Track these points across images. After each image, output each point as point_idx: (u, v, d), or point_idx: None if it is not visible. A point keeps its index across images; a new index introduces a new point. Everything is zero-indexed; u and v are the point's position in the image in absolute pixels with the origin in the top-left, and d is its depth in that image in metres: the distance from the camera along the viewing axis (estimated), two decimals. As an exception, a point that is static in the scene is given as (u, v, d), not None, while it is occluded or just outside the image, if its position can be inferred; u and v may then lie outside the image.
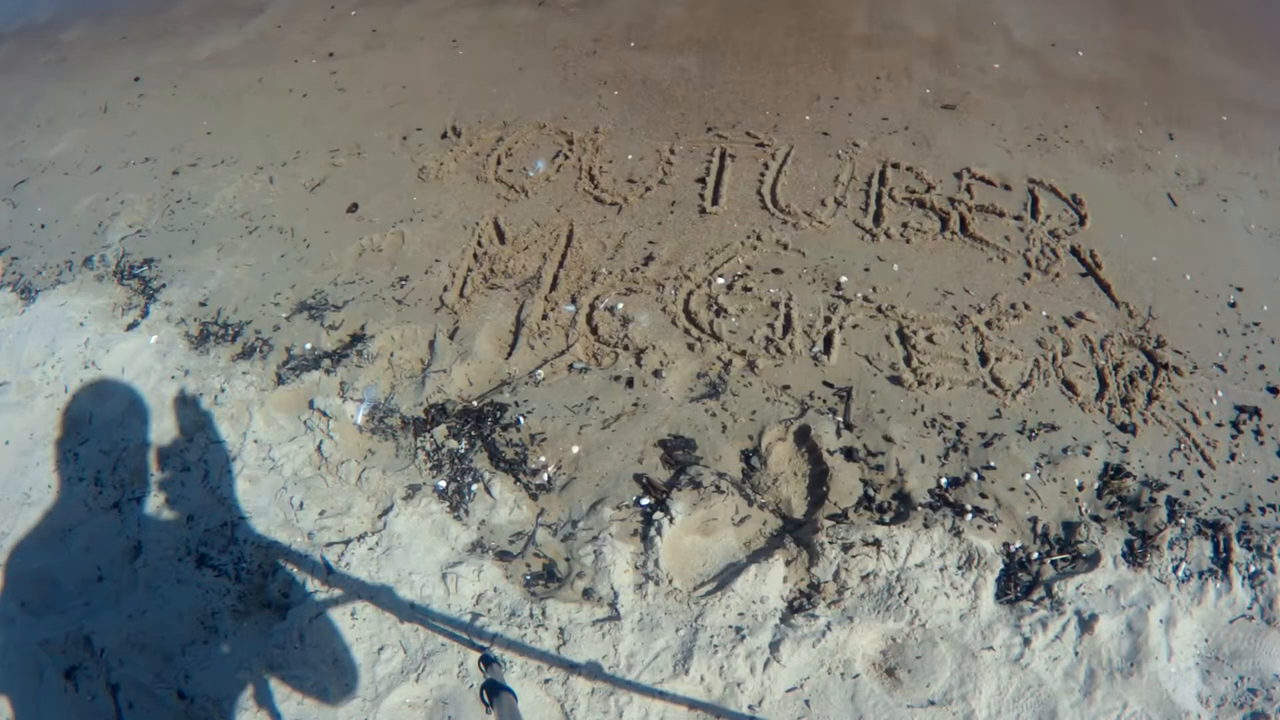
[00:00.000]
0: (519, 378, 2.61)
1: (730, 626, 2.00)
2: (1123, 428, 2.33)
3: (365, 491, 2.39)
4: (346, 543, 2.28)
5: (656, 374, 2.55)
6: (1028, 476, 2.22)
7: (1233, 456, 2.27)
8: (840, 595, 2.04)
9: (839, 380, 2.49)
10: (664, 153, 3.39)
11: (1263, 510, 2.15)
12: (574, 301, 2.81)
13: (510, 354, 2.68)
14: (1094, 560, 2.05)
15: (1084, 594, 1.99)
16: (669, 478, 2.32)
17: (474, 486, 2.36)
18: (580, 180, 3.31)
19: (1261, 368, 2.48)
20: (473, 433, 2.48)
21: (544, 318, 2.76)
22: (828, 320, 2.63)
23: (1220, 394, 2.41)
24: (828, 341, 2.57)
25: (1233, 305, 2.67)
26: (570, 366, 2.62)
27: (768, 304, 2.71)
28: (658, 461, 2.36)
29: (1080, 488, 2.21)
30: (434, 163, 3.49)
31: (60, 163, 3.98)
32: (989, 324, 2.60)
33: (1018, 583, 2.06)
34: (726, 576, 2.12)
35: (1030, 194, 3.08)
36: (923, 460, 2.28)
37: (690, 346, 2.62)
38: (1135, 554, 2.07)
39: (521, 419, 2.49)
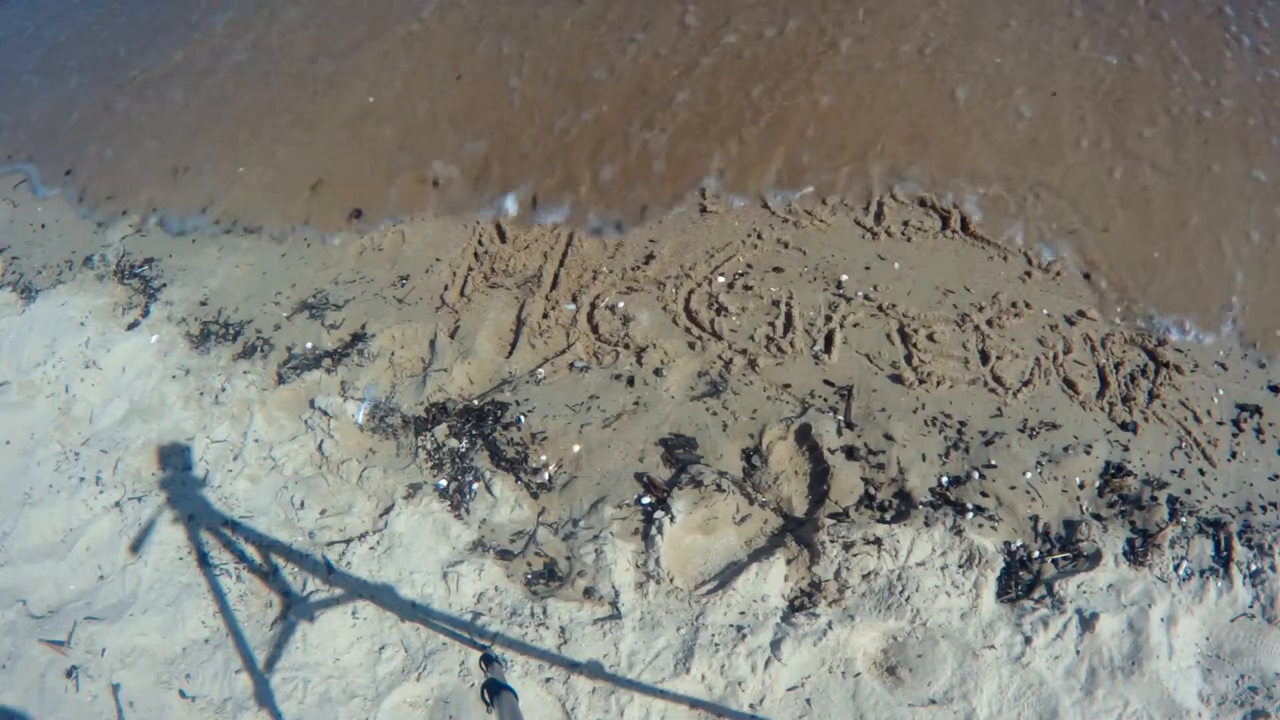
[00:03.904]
0: (520, 376, 2.61)
1: (731, 625, 2.00)
2: (1124, 426, 2.32)
3: (366, 490, 2.39)
4: (347, 542, 2.28)
5: (657, 372, 2.55)
6: (1029, 475, 2.22)
7: (1234, 455, 2.26)
8: (841, 594, 2.04)
9: (840, 379, 2.48)
10: (664, 151, 3.38)
11: (1264, 509, 2.14)
12: (575, 300, 2.81)
13: (511, 353, 2.68)
14: (1095, 559, 2.05)
15: (1085, 592, 1.99)
16: (670, 476, 2.31)
17: (475, 485, 2.36)
18: (580, 179, 3.30)
19: (1262, 366, 2.48)
20: (474, 432, 2.48)
21: (545, 316, 2.76)
22: (828, 319, 2.63)
23: (1221, 392, 2.41)
24: (828, 340, 2.57)
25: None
26: (571, 365, 2.62)
27: (768, 302, 2.71)
28: (659, 460, 2.36)
29: (1081, 486, 2.21)
30: (434, 162, 3.49)
31: (60, 162, 3.98)
32: (990, 322, 2.59)
33: (1019, 581, 2.06)
34: (727, 575, 2.12)
35: (1031, 192, 3.07)
36: (924, 459, 2.28)
37: (691, 345, 2.62)
38: (1136, 552, 2.07)
39: (522, 418, 2.49)
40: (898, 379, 2.47)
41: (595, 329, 2.72)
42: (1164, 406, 2.36)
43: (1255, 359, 2.46)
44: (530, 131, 3.43)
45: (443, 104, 3.65)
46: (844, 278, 2.75)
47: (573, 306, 2.78)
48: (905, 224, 2.91)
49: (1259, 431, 2.31)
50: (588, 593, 2.09)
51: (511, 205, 3.14)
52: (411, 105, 3.69)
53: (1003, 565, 2.06)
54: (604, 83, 3.55)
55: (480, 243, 3.08)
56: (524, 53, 3.75)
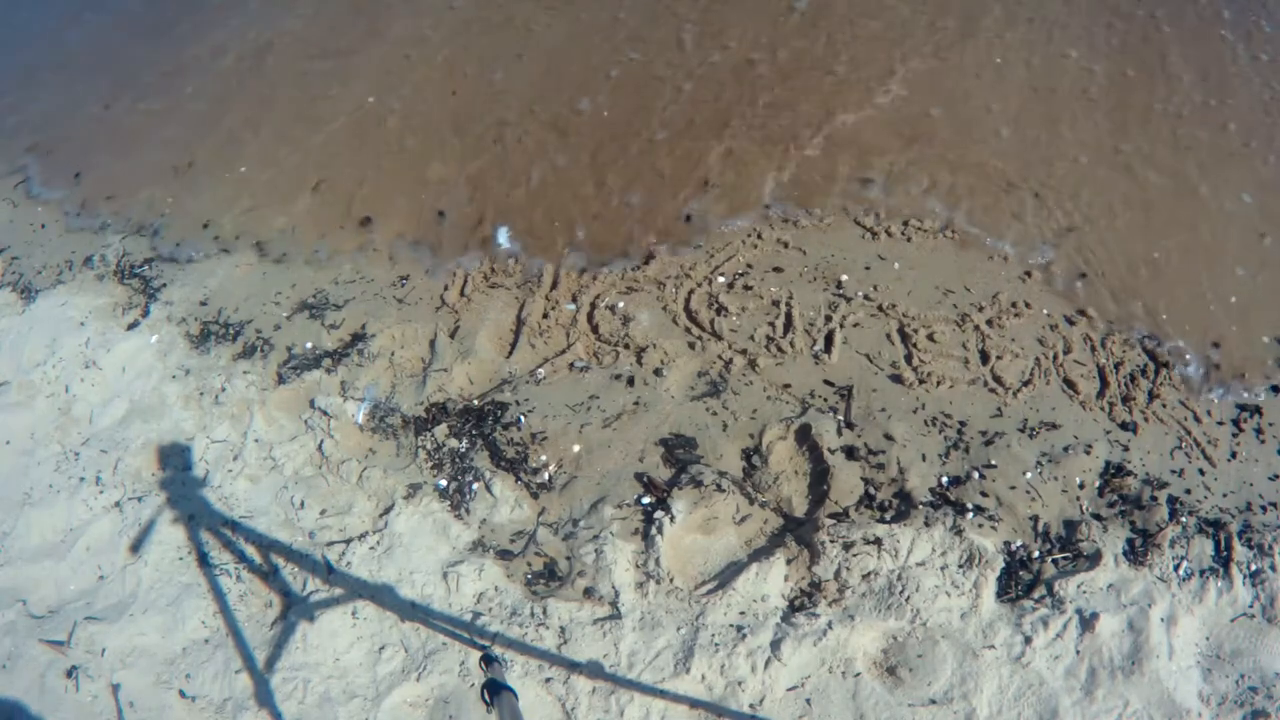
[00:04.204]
0: (520, 376, 2.61)
1: (731, 625, 2.00)
2: (1124, 426, 2.32)
3: (366, 490, 2.39)
4: (347, 542, 2.28)
5: (657, 372, 2.55)
6: (1029, 475, 2.22)
7: (1234, 455, 2.26)
8: (841, 594, 2.04)
9: (840, 379, 2.48)
10: (664, 151, 3.38)
11: (1264, 508, 2.14)
12: (575, 300, 2.81)
13: (511, 353, 2.68)
14: (1095, 559, 2.05)
15: (1085, 592, 1.99)
16: (670, 476, 2.31)
17: (475, 485, 2.36)
18: (580, 179, 3.30)
19: (1243, 396, 2.47)
20: (474, 431, 2.48)
21: (545, 316, 2.76)
22: (828, 319, 2.63)
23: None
24: (828, 340, 2.57)
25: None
26: (571, 365, 2.62)
27: (768, 302, 2.71)
28: (659, 460, 2.36)
29: (1081, 486, 2.21)
30: (434, 162, 3.49)
31: (60, 162, 3.97)
32: (990, 322, 2.59)
33: (1019, 581, 2.05)
34: (727, 575, 2.12)
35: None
36: (924, 459, 2.28)
37: (691, 345, 2.62)
38: (1136, 552, 2.07)
39: (522, 418, 2.49)
40: (898, 379, 2.47)
41: (595, 329, 2.72)
42: (1164, 406, 2.36)
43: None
44: (519, 173, 3.33)
45: (436, 131, 3.58)
46: (844, 278, 2.75)
47: (573, 306, 2.78)
48: (905, 224, 2.91)
49: (1259, 431, 2.31)
50: (588, 593, 2.09)
51: (504, 237, 3.07)
52: (410, 122, 3.67)
53: (1003, 565, 2.06)
54: (598, 108, 3.50)
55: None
56: (515, 85, 3.68)
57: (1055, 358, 2.49)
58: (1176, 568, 2.03)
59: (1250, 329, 2.52)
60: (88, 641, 2.16)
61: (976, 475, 2.23)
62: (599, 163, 3.28)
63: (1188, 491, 2.18)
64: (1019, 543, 2.11)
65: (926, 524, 2.12)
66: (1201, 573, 2.02)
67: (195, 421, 2.65)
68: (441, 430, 2.49)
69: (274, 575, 2.25)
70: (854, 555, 2.08)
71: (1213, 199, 2.84)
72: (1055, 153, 3.06)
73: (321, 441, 2.52)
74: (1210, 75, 3.24)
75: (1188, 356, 2.47)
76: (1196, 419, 2.34)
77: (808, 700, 1.90)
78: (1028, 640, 1.92)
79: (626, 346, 2.64)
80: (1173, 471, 2.23)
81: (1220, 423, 2.33)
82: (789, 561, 2.11)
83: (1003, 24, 3.53)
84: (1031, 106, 3.21)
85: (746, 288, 2.76)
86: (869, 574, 2.06)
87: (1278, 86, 3.18)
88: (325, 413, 2.57)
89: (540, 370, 2.61)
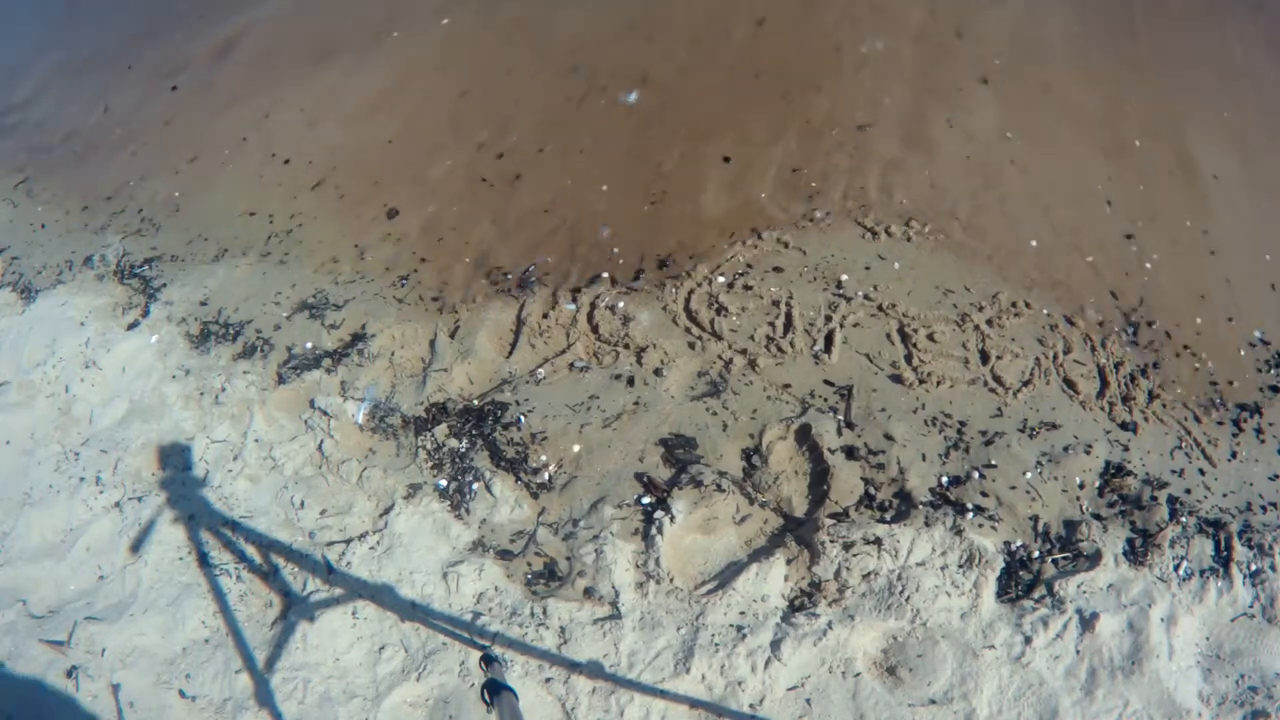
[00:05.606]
0: (520, 376, 2.61)
1: (731, 625, 2.00)
2: (1124, 426, 2.32)
3: (366, 490, 2.39)
4: (347, 542, 2.28)
5: (657, 372, 2.55)
6: (1029, 475, 2.22)
7: (1234, 455, 2.26)
8: (841, 594, 2.04)
9: (840, 378, 2.48)
10: (664, 151, 3.38)
11: (1264, 508, 2.14)
12: (575, 300, 2.81)
13: (511, 353, 2.68)
14: (1095, 559, 2.05)
15: (1085, 592, 1.99)
16: (670, 476, 2.31)
17: (475, 485, 2.36)
18: (580, 179, 3.30)
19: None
20: (474, 431, 2.48)
21: (545, 316, 2.76)
22: (828, 318, 2.63)
23: (1221, 392, 2.41)
24: (828, 340, 2.57)
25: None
26: (571, 365, 2.62)
27: (768, 302, 2.71)
28: (659, 460, 2.36)
29: (1081, 486, 2.21)
30: (434, 162, 3.48)
31: (60, 162, 3.98)
32: (990, 322, 2.59)
33: (1019, 581, 2.05)
34: (727, 575, 2.12)
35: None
36: (924, 459, 2.28)
37: (691, 345, 2.62)
38: (1136, 552, 2.06)
39: (522, 418, 2.49)
40: (898, 379, 2.47)
41: (595, 329, 2.72)
42: (1164, 406, 2.36)
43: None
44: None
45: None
46: (844, 277, 2.75)
47: (573, 306, 2.78)
48: (906, 223, 2.90)
49: (1259, 431, 2.31)
50: (588, 593, 2.09)
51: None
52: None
53: (1003, 565, 2.06)
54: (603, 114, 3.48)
55: (480, 243, 3.07)
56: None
57: (1055, 358, 2.49)
58: (1176, 568, 2.03)
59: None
60: (88, 641, 2.16)
61: (976, 475, 2.23)
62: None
63: (1188, 491, 2.18)
64: (1019, 543, 2.11)
65: (926, 524, 2.12)
66: (1201, 573, 2.02)
67: (195, 421, 2.65)
68: (441, 430, 2.49)
69: (274, 575, 2.25)
70: (854, 555, 2.08)
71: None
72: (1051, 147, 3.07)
73: (321, 441, 2.52)
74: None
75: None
76: (1196, 419, 2.34)
77: (808, 700, 1.90)
78: (1028, 640, 1.92)
79: (626, 346, 2.64)
80: (1173, 471, 2.23)
81: (1220, 423, 2.33)
82: (789, 561, 2.11)
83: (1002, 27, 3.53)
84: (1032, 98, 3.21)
85: (746, 287, 2.76)
86: (869, 574, 2.06)
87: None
88: (325, 413, 2.57)
89: (540, 370, 2.61)
